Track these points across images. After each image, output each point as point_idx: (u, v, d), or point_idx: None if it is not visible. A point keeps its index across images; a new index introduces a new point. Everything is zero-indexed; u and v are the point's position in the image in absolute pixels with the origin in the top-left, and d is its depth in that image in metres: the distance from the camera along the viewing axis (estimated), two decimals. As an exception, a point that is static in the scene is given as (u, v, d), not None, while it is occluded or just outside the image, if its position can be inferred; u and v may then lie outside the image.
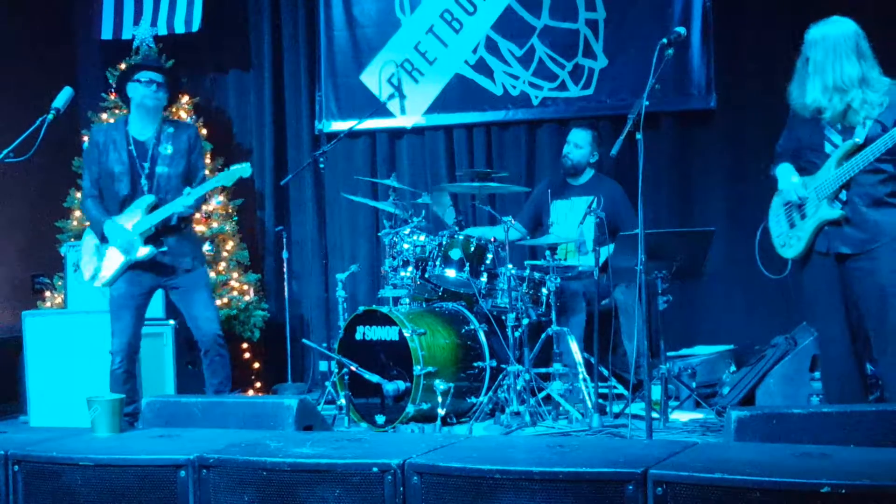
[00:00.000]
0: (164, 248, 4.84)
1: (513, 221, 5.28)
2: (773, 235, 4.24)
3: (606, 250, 5.20)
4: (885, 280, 3.89)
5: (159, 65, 5.15)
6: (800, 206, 4.08)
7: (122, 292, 4.88)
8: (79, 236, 6.44)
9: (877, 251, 3.91)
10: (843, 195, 3.96)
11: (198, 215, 6.71)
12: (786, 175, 4.14)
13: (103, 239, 4.89)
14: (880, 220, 3.92)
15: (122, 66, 6.89)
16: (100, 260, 4.94)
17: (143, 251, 4.82)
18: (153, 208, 4.84)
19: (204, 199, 5.08)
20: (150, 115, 4.94)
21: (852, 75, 3.91)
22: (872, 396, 4.33)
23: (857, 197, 3.94)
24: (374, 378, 4.97)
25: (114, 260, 4.89)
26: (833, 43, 3.95)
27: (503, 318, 5.18)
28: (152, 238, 4.84)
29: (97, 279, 4.95)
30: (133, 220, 4.84)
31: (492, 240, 5.40)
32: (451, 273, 5.32)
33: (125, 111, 6.74)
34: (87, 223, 6.50)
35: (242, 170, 4.88)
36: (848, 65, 3.92)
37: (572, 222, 5.75)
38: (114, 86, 5.23)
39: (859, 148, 3.89)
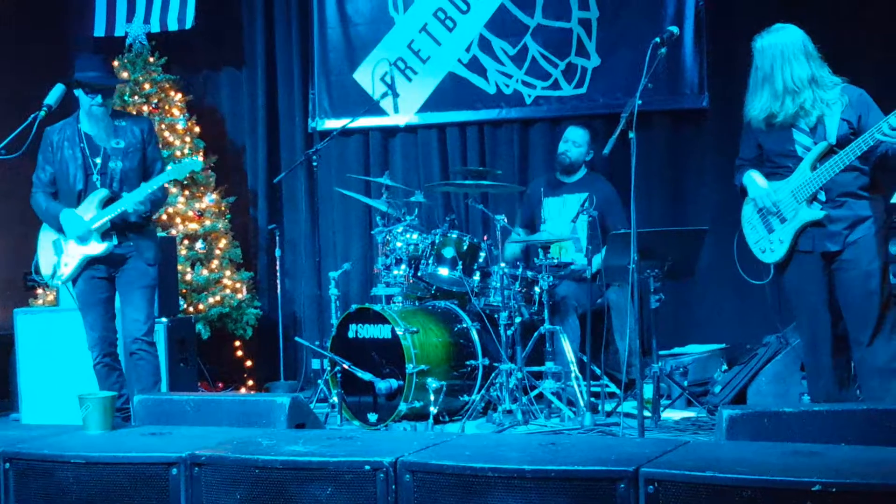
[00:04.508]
0: (117, 242, 4.76)
1: (504, 220, 5.26)
2: (750, 243, 4.29)
3: (599, 257, 5.21)
4: (865, 270, 3.98)
5: (102, 82, 4.82)
6: (776, 211, 4.11)
7: (84, 289, 4.83)
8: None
9: (858, 242, 4.00)
10: (822, 195, 4.03)
11: (191, 213, 6.69)
12: (754, 182, 4.21)
13: (60, 230, 4.81)
14: (857, 211, 4.01)
15: (115, 63, 6.89)
16: (59, 256, 4.85)
17: (99, 247, 4.75)
18: (107, 202, 4.76)
19: (161, 197, 4.91)
20: (98, 118, 4.83)
21: (802, 76, 4.01)
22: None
23: (836, 195, 4.02)
24: (367, 376, 4.97)
25: (73, 256, 4.80)
26: (780, 49, 4.05)
27: (496, 316, 5.18)
28: (108, 233, 4.77)
29: (56, 276, 4.87)
30: (88, 213, 4.75)
31: (484, 238, 5.40)
32: (443, 271, 5.32)
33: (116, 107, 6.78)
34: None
35: (193, 163, 5.01)
36: (797, 66, 4.02)
37: (565, 219, 5.76)
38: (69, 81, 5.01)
39: (832, 149, 3.96)
